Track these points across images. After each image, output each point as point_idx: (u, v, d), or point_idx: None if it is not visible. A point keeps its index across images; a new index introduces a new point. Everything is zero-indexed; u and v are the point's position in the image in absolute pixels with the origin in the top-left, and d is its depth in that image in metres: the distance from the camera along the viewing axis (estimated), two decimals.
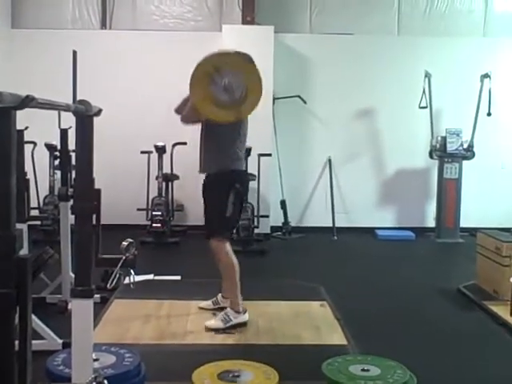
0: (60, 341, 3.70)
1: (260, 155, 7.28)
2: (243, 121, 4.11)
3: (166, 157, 7.36)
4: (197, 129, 7.77)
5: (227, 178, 4.10)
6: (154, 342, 3.87)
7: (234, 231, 4.48)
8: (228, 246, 4.13)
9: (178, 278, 5.52)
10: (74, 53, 2.33)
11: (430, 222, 8.12)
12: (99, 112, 2.04)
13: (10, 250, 1.04)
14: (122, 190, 7.66)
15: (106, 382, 1.09)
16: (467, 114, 7.73)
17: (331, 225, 7.95)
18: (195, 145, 7.44)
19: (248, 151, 7.04)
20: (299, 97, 7.91)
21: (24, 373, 1.08)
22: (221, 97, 3.76)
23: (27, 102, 1.03)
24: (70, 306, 3.75)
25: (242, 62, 3.85)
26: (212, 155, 4.16)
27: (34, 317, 3.76)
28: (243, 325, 4.14)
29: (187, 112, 4.16)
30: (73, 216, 2.07)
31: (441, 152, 7.78)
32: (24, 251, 3.45)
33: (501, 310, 4.54)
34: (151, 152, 7.38)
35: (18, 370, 1.10)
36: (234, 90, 3.73)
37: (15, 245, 1.05)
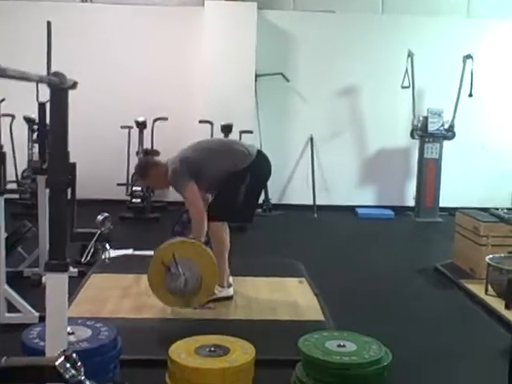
0: (36, 314, 3.69)
1: (241, 132, 7.25)
2: (205, 168, 4.14)
3: (147, 132, 7.31)
4: (177, 104, 7.74)
5: (240, 174, 4.15)
6: (131, 317, 3.87)
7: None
8: (226, 226, 4.23)
9: None
10: (49, 23, 2.29)
11: (410, 201, 8.18)
12: (74, 85, 2.01)
13: None
14: (103, 164, 7.61)
15: (74, 355, 1.09)
16: (449, 95, 7.75)
17: (312, 203, 7.97)
18: (176, 120, 7.46)
19: (229, 128, 7.03)
20: (282, 74, 7.88)
21: None
22: (173, 286, 3.79)
23: None
24: (44, 280, 3.76)
25: (201, 251, 3.85)
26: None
27: (10, 290, 3.75)
28: (228, 299, 4.17)
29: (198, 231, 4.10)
30: None
31: (422, 132, 7.81)
32: (1, 224, 3.41)
33: (477, 289, 4.60)
34: (132, 127, 7.32)
35: None
36: (187, 285, 3.76)
37: None
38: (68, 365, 1.06)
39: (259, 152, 4.34)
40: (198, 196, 4.07)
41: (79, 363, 1.09)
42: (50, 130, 1.99)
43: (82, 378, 1.08)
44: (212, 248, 4.23)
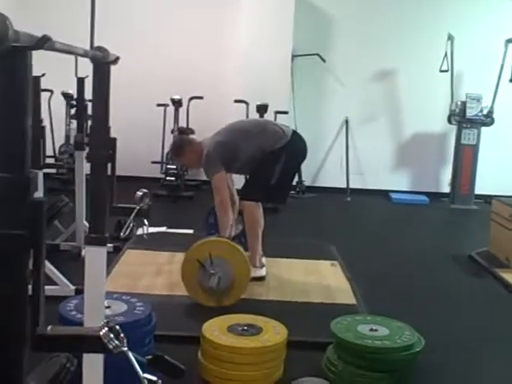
0: (73, 287, 3.76)
1: (276, 112, 7.22)
2: (235, 151, 4.16)
3: (182, 110, 7.33)
4: (213, 83, 7.71)
5: (275, 153, 4.15)
6: (165, 293, 3.92)
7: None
8: (260, 207, 4.24)
9: (191, 231, 5.55)
10: None
11: (445, 188, 8.07)
12: (116, 60, 2.01)
13: (24, 192, 1.04)
14: (137, 142, 7.65)
15: (117, 327, 1.10)
16: (489, 80, 7.58)
17: (345, 186, 7.93)
18: (211, 99, 7.45)
19: (264, 108, 7.00)
20: (318, 55, 7.80)
21: (37, 314, 1.09)
22: (206, 285, 3.74)
23: (43, 41, 1.01)
24: (83, 253, 3.81)
25: (235, 251, 3.81)
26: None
27: (47, 263, 3.81)
28: (261, 279, 4.19)
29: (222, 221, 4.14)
30: (88, 165, 2.06)
31: (460, 117, 7.68)
32: (39, 195, 3.47)
33: None
34: (167, 105, 7.34)
35: (31, 313, 1.11)
36: (220, 283, 3.72)
37: (30, 187, 1.05)
38: (112, 335, 1.07)
39: (294, 132, 4.33)
40: (224, 185, 4.11)
41: (122, 335, 1.10)
42: (93, 105, 2.00)
43: (125, 349, 1.09)
44: (245, 238, 4.25)
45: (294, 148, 4.25)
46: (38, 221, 1.04)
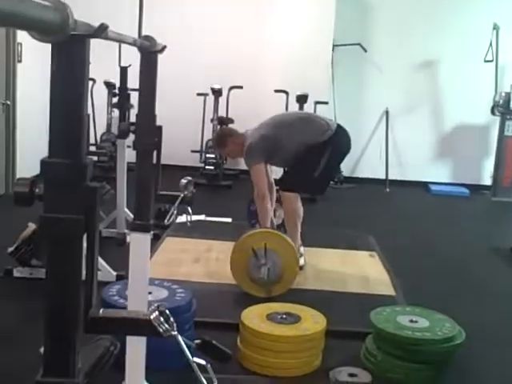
0: (114, 273, 3.82)
1: (316, 103, 7.19)
2: (278, 147, 4.18)
3: (222, 100, 7.36)
4: (252, 73, 7.71)
5: (319, 147, 4.17)
6: (204, 281, 3.96)
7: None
8: (299, 197, 4.25)
9: (229, 220, 5.59)
10: None
11: (487, 180, 7.94)
12: (163, 49, 2.04)
13: (81, 177, 1.07)
14: (177, 131, 7.67)
15: (167, 311, 1.13)
16: None
17: (384, 177, 7.86)
18: (251, 89, 7.46)
19: (304, 98, 6.98)
20: (360, 45, 7.73)
21: (90, 296, 1.12)
22: (255, 275, 3.76)
23: (101, 30, 1.03)
24: (128, 239, 3.88)
25: (285, 244, 3.83)
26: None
27: None
28: (301, 268, 4.18)
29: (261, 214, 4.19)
30: (129, 153, 2.10)
31: (504, 108, 7.53)
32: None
33: None
34: (207, 94, 7.38)
35: (84, 297, 1.14)
36: (269, 275, 3.73)
37: (86, 173, 1.08)
38: (162, 319, 1.10)
39: (339, 126, 4.33)
40: (262, 178, 4.15)
41: (171, 319, 1.13)
42: (140, 93, 2.03)
43: (175, 333, 1.11)
44: (286, 228, 4.27)
45: (339, 142, 4.26)
46: (93, 206, 1.07)
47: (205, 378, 1.23)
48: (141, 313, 1.14)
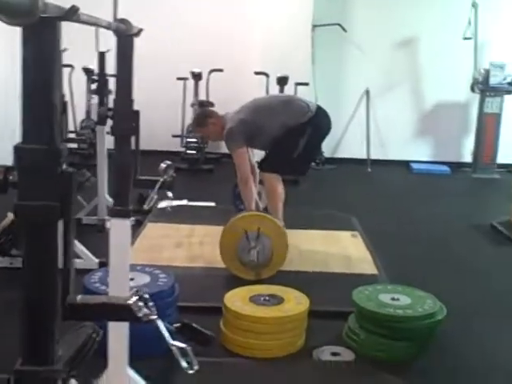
0: (96, 260, 3.81)
1: (297, 84, 7.17)
2: (256, 127, 4.17)
3: (202, 83, 7.31)
4: (233, 56, 7.66)
5: (299, 128, 4.18)
6: (187, 265, 3.97)
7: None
8: (280, 178, 4.27)
9: (213, 204, 5.58)
10: None
11: (467, 157, 7.99)
12: (139, 32, 2.02)
13: (55, 163, 1.06)
14: (158, 115, 7.65)
15: (146, 295, 1.13)
16: None
17: (366, 157, 7.89)
18: (231, 72, 7.41)
19: (285, 80, 6.96)
20: (339, 25, 7.70)
21: (67, 285, 1.12)
22: (245, 258, 3.75)
23: (72, 12, 1.01)
24: (107, 225, 3.86)
25: (277, 229, 3.84)
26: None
27: None
28: None
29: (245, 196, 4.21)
30: (109, 139, 2.08)
31: (483, 85, 7.56)
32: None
33: None
34: (187, 78, 7.33)
35: (61, 283, 1.14)
36: (259, 258, 3.73)
37: (60, 159, 1.07)
38: (141, 304, 1.10)
39: (319, 108, 4.33)
40: (245, 161, 4.16)
41: (151, 303, 1.13)
42: (116, 78, 2.01)
43: (155, 317, 1.12)
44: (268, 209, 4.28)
45: (319, 123, 4.28)
46: (68, 192, 1.06)
47: (187, 361, 1.23)
48: (120, 298, 1.14)
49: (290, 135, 4.15)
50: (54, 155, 1.06)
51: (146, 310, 1.10)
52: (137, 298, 1.10)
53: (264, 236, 3.75)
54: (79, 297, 1.13)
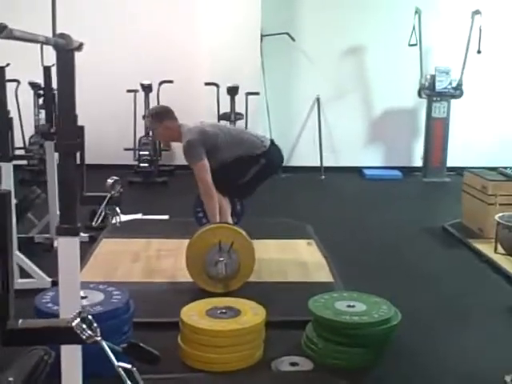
0: (49, 279, 3.73)
1: (247, 94, 7.20)
2: (217, 142, 4.17)
3: (153, 95, 7.27)
4: (183, 67, 7.64)
5: (253, 158, 4.21)
6: (142, 280, 3.91)
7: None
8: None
9: (167, 217, 5.54)
10: None
11: (418, 162, 8.13)
12: (80, 46, 1.99)
13: None
14: (109, 129, 7.57)
15: (90, 317, 1.09)
16: (457, 52, 7.64)
17: (319, 164, 7.95)
18: (181, 83, 7.38)
19: (235, 90, 6.98)
20: (288, 34, 7.76)
21: (6, 310, 1.08)
22: (212, 271, 3.73)
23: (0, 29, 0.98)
24: (55, 244, 3.78)
25: (247, 242, 3.82)
26: None
27: (22, 256, 3.78)
28: None
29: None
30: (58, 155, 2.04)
31: (430, 90, 7.72)
32: (10, 190, 3.42)
33: (485, 248, 4.61)
34: (137, 91, 7.27)
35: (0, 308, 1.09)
36: (227, 269, 3.71)
37: None
38: (84, 326, 1.07)
39: (272, 143, 4.37)
40: (207, 174, 4.08)
41: (95, 324, 1.10)
42: (58, 93, 1.97)
43: (99, 338, 1.08)
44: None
45: (272, 158, 4.31)
46: (4, 213, 1.02)
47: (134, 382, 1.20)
48: (62, 321, 1.11)
49: (242, 163, 4.17)
50: None
51: (89, 332, 1.07)
52: (79, 319, 1.07)
53: (232, 249, 3.72)
54: (20, 321, 1.09)
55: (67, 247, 2.02)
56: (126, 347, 1.17)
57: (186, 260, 3.77)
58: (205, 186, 4.09)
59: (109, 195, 2.21)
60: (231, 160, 4.17)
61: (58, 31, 2.06)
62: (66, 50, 1.90)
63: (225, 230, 3.85)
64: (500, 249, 4.41)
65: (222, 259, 3.69)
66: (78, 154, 2.10)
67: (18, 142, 6.75)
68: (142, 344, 1.20)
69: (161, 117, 4.30)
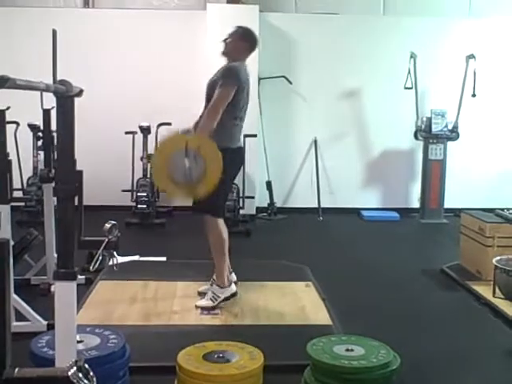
0: (45, 322, 3.69)
1: (245, 136, 7.23)
2: (242, 95, 4.15)
3: (151, 137, 7.32)
4: (181, 109, 7.72)
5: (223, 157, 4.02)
6: (139, 323, 3.87)
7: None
8: (221, 221, 4.17)
9: (164, 259, 5.52)
10: (54, 32, 2.29)
11: (415, 203, 8.16)
12: (80, 92, 2.02)
13: None
14: (107, 170, 7.62)
15: (86, 365, 1.09)
16: (452, 95, 7.74)
17: (317, 205, 7.97)
18: (180, 125, 7.42)
19: None
20: (285, 77, 7.88)
21: (3, 356, 1.07)
22: (178, 177, 3.73)
23: (2, 82, 1.00)
24: (52, 288, 3.76)
25: (207, 143, 3.81)
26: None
27: (18, 298, 3.75)
28: (233, 296, 4.17)
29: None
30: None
31: (426, 133, 7.80)
32: (7, 233, 3.40)
33: (483, 290, 4.59)
34: (136, 132, 7.33)
35: None
36: (192, 174, 3.70)
37: None
38: (80, 375, 1.06)
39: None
40: (227, 100, 4.04)
41: (91, 373, 1.09)
42: (57, 138, 1.99)
43: None
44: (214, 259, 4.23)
45: (237, 156, 4.30)
46: (2, 262, 1.03)
47: None
48: (58, 370, 1.10)
49: (227, 169, 3.95)
50: None
51: (85, 382, 1.06)
52: (76, 368, 1.06)
53: (198, 155, 3.69)
54: (16, 370, 1.08)
55: (64, 292, 2.02)
56: None
57: (153, 169, 3.76)
58: (217, 104, 4.02)
59: (106, 239, 2.21)
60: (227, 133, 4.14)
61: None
62: (66, 97, 1.94)
63: (191, 137, 3.84)
64: (498, 292, 4.39)
65: (186, 162, 3.65)
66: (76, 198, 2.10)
67: (16, 183, 6.77)
68: None
69: (245, 37, 4.36)
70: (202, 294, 4.32)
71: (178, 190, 3.72)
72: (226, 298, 4.16)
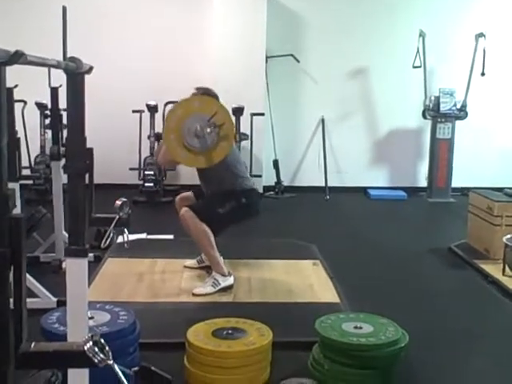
0: (54, 299, 3.72)
1: (252, 114, 7.24)
2: (230, 152, 3.98)
3: (158, 116, 7.30)
4: (189, 89, 7.68)
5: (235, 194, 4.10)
6: (148, 301, 3.90)
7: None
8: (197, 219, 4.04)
9: (171, 237, 5.54)
10: (64, 9, 2.28)
11: (422, 182, 8.15)
12: (90, 70, 2.01)
13: (2, 209, 1.03)
14: (114, 149, 7.61)
15: (102, 340, 1.10)
16: (461, 74, 7.68)
17: (324, 184, 7.96)
18: None
19: (240, 110, 7.01)
20: (292, 55, 7.82)
21: (20, 331, 1.08)
22: (192, 143, 3.69)
23: (16, 57, 1.00)
24: (64, 265, 3.79)
25: (215, 104, 3.78)
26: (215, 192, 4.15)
27: (28, 275, 3.77)
28: (230, 287, 4.12)
29: (162, 155, 4.16)
30: (65, 175, 2.05)
31: (434, 112, 7.76)
32: (17, 210, 3.44)
33: (491, 269, 4.59)
34: (143, 111, 7.31)
35: (13, 329, 1.10)
36: (205, 136, 3.66)
37: (8, 204, 1.04)
38: (96, 349, 1.07)
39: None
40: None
41: (107, 348, 1.10)
42: (68, 117, 1.99)
43: (111, 362, 1.09)
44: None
45: (253, 200, 4.21)
46: (18, 237, 1.03)
47: None
48: (74, 344, 1.11)
49: (225, 192, 4.06)
50: (1, 201, 1.03)
51: (101, 356, 1.07)
52: (91, 343, 1.07)
53: (201, 115, 3.69)
54: (33, 344, 1.09)
55: (76, 268, 2.03)
56: (138, 371, 1.17)
57: (166, 143, 3.73)
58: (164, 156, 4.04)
59: (117, 217, 2.21)
60: (222, 186, 4.07)
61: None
62: (77, 74, 1.93)
63: (208, 101, 3.82)
64: (508, 271, 4.39)
65: (196, 125, 3.62)
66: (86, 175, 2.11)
67: (25, 161, 6.78)
68: (153, 368, 1.20)
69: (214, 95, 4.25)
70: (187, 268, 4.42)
71: (196, 158, 3.66)
72: (223, 289, 4.08)
